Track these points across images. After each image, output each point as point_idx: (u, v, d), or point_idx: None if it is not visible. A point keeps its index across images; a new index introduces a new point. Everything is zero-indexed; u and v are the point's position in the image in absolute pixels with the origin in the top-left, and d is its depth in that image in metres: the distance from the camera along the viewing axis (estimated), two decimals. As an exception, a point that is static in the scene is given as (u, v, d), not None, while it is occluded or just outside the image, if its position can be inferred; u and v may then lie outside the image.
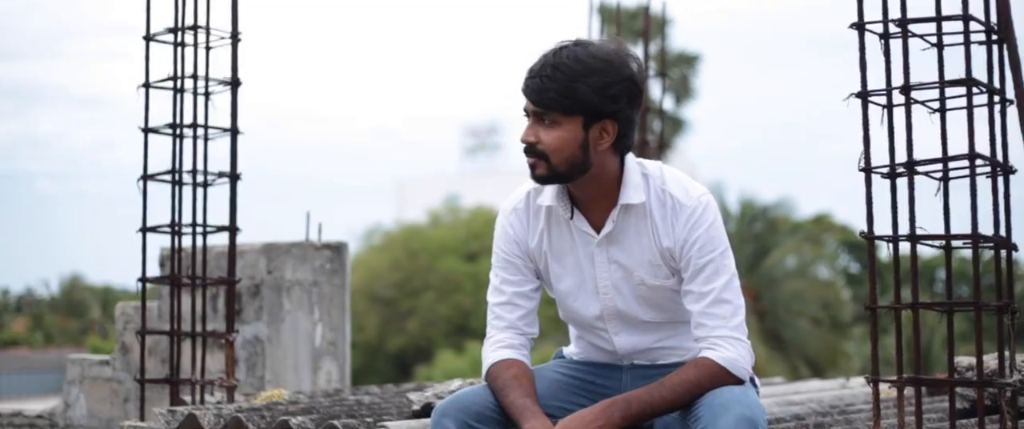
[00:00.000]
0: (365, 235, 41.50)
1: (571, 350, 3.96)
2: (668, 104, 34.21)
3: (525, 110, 3.53)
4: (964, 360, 4.56)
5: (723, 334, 3.49)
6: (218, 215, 5.23)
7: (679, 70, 33.84)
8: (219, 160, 5.23)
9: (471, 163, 64.94)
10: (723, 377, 3.45)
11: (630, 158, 3.62)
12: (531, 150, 3.50)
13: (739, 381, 3.48)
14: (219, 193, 5.22)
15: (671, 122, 33.95)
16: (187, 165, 5.22)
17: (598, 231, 3.62)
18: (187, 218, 5.22)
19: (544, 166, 3.49)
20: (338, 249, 7.12)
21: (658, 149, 8.33)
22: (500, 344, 3.67)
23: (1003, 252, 3.58)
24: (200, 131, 5.22)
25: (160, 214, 5.24)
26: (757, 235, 34.48)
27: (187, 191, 5.23)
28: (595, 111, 3.46)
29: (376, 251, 38.32)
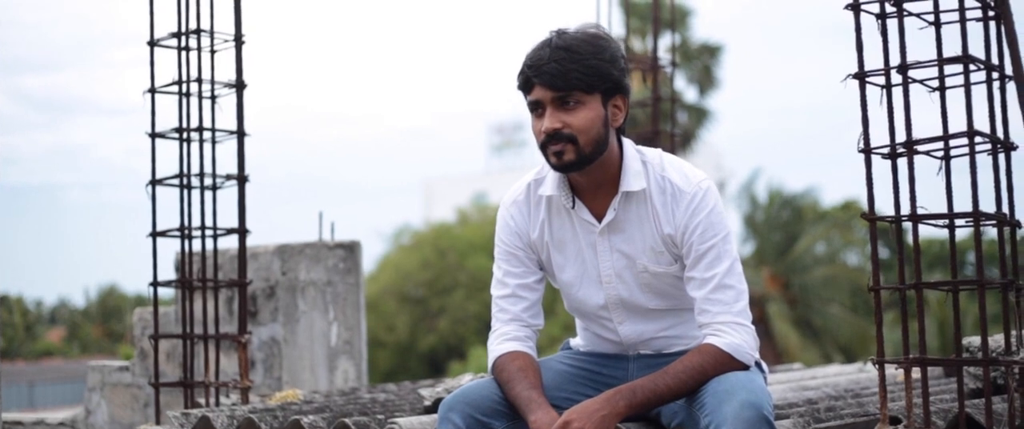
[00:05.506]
0: (394, 235, 41.56)
1: (578, 342, 3.96)
2: (692, 95, 34.13)
3: (537, 102, 3.50)
4: (977, 340, 4.53)
5: (726, 320, 3.49)
6: (232, 218, 5.24)
7: (701, 60, 33.75)
8: (232, 163, 5.23)
9: (498, 160, 64.85)
10: (727, 363, 3.44)
11: (629, 144, 3.62)
12: (557, 136, 3.47)
13: (744, 367, 3.48)
14: (233, 196, 5.22)
15: (695, 113, 33.87)
16: (198, 169, 5.22)
17: (599, 220, 3.61)
18: (199, 222, 5.23)
19: (573, 150, 3.47)
20: (351, 248, 7.12)
21: (667, 140, 8.27)
22: (505, 337, 3.68)
23: (1007, 230, 3.56)
24: (207, 134, 5.23)
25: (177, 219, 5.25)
26: (785, 223, 34.41)
27: (199, 195, 5.23)
28: (613, 85, 3.50)
29: (405, 251, 38.35)
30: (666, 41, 16.76)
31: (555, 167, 3.52)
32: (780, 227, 34.05)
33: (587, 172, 3.55)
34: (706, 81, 34.09)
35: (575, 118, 3.46)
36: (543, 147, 3.50)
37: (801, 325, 32.07)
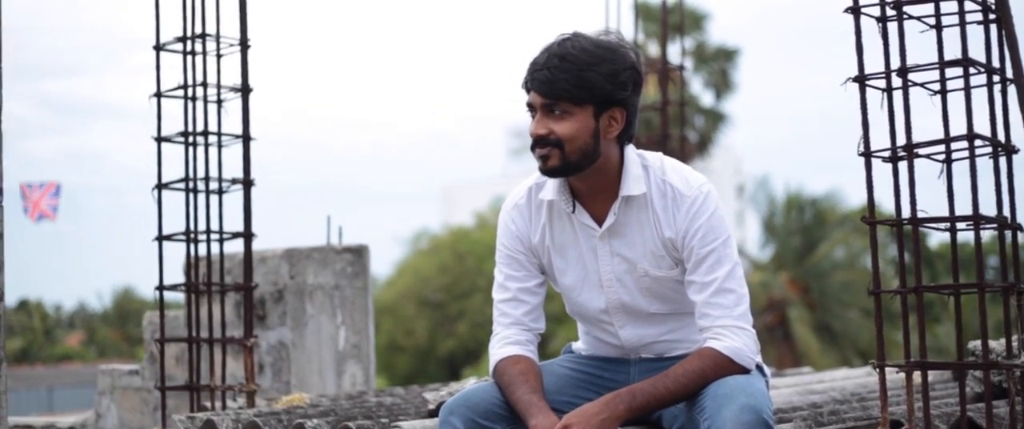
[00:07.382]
0: (413, 239, 41.61)
1: (579, 345, 3.95)
2: (708, 99, 34.06)
3: (530, 105, 3.52)
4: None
5: (727, 324, 3.48)
6: (240, 222, 5.25)
7: (718, 64, 33.66)
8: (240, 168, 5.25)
9: (517, 164, 64.70)
10: (728, 367, 3.43)
11: (630, 149, 3.61)
12: (544, 141, 3.48)
13: (744, 370, 3.46)
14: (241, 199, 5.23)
15: (712, 117, 33.79)
16: (205, 173, 5.23)
17: (600, 224, 3.61)
18: (206, 226, 5.24)
19: (558, 156, 3.48)
20: (359, 252, 7.12)
21: (677, 144, 8.27)
22: (506, 341, 3.67)
23: (1007, 233, 3.55)
24: (213, 139, 5.24)
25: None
26: (805, 227, 34.36)
27: (205, 199, 5.25)
28: (606, 99, 3.47)
29: (424, 255, 38.38)
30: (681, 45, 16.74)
31: (541, 170, 3.54)
32: (800, 232, 34.00)
33: (584, 177, 3.55)
34: (723, 85, 34.00)
35: (561, 126, 3.46)
36: (532, 149, 3.52)
37: (821, 329, 32.03)
